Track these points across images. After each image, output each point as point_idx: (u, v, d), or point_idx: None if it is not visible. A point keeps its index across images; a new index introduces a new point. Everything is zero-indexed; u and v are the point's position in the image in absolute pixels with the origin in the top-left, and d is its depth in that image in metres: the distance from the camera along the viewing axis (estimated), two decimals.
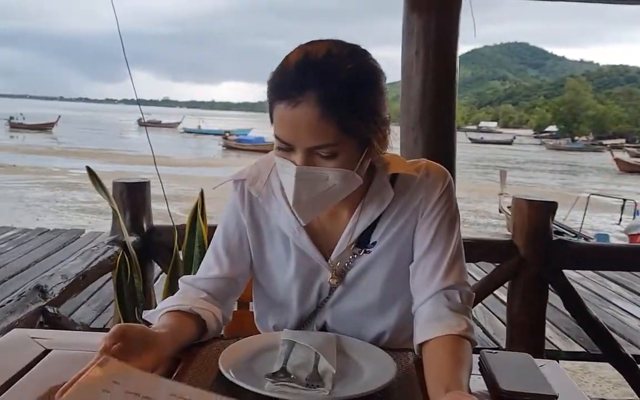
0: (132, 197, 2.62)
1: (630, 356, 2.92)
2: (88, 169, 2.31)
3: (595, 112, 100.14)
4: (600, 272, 5.83)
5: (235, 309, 1.46)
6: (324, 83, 0.99)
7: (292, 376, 0.99)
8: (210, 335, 1.16)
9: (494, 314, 4.38)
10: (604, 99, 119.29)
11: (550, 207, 2.68)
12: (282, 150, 1.06)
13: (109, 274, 2.75)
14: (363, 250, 1.19)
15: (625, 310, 4.78)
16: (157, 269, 2.88)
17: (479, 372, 1.07)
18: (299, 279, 1.22)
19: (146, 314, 1.16)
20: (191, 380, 0.99)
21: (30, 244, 6.37)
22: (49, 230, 7.26)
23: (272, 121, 1.06)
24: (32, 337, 1.15)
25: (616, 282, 5.64)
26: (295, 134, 1.01)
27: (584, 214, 12.44)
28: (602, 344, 2.91)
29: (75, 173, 21.19)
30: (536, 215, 2.64)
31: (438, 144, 2.48)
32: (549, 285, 2.75)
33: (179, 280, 1.25)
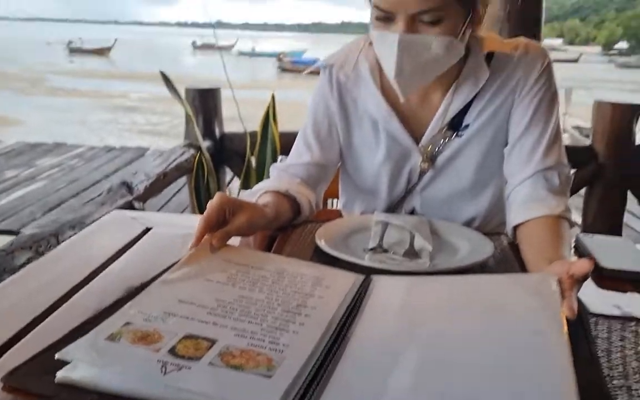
0: (204, 103, 2.65)
1: None
2: (162, 74, 2.33)
3: None
4: None
5: None
6: None
7: (390, 251, 1.00)
8: (303, 218, 1.17)
9: None
10: None
11: (635, 111, 2.55)
12: (381, 21, 1.02)
13: (183, 180, 2.83)
14: (455, 134, 1.17)
15: None
16: (229, 174, 2.94)
17: (574, 255, 1.05)
18: (389, 164, 1.21)
19: (244, 194, 1.18)
20: (290, 254, 1.01)
21: (99, 160, 6.63)
22: (115, 147, 7.51)
23: None
24: (133, 218, 1.20)
25: None
26: None
27: None
28: None
29: (134, 96, 21.62)
30: (619, 118, 2.52)
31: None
32: (629, 193, 2.65)
33: (270, 167, 1.27)
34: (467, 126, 1.16)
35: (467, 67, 1.13)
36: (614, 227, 2.68)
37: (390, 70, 1.04)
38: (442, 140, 1.17)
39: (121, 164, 6.39)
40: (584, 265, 0.77)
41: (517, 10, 2.32)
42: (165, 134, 15.04)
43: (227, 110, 2.90)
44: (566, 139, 12.79)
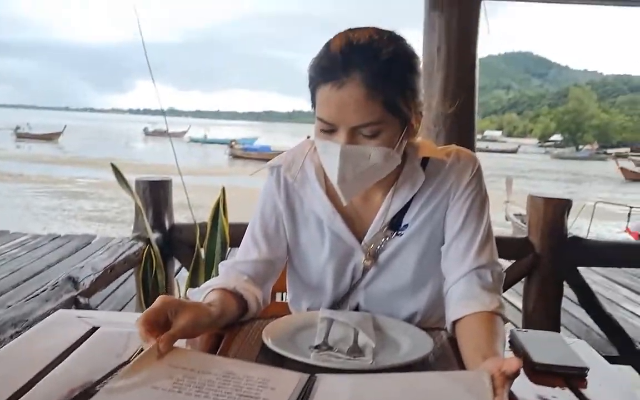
0: (155, 195, 2.67)
1: None
2: (113, 166, 2.35)
3: (599, 121, 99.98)
4: (610, 277, 5.86)
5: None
6: (368, 64, 1.03)
7: (335, 349, 1.03)
8: (250, 315, 1.19)
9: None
10: (608, 108, 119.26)
11: (565, 204, 2.72)
12: (325, 132, 1.10)
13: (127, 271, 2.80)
14: (395, 233, 1.24)
15: (635, 313, 4.80)
16: (177, 265, 2.92)
17: (509, 349, 1.11)
18: (333, 261, 1.26)
19: (191, 292, 1.20)
20: (235, 355, 1.03)
21: (42, 249, 6.41)
22: (60, 236, 7.31)
23: (313, 104, 1.11)
24: (78, 317, 1.20)
25: (626, 286, 5.66)
26: (341, 114, 1.06)
27: (590, 222, 12.43)
28: (616, 341, 2.94)
29: (81, 182, 21.29)
30: (552, 212, 2.69)
31: (459, 139, 2.52)
32: (564, 283, 2.78)
33: (219, 265, 1.30)
34: (406, 226, 1.23)
35: (405, 171, 1.22)
36: (552, 314, 2.79)
37: (333, 177, 1.11)
38: (384, 239, 1.24)
39: (66, 253, 6.20)
40: (513, 364, 0.83)
41: (452, 117, 2.51)
42: (113, 220, 14.77)
43: (178, 196, 2.93)
44: (508, 227, 13.31)
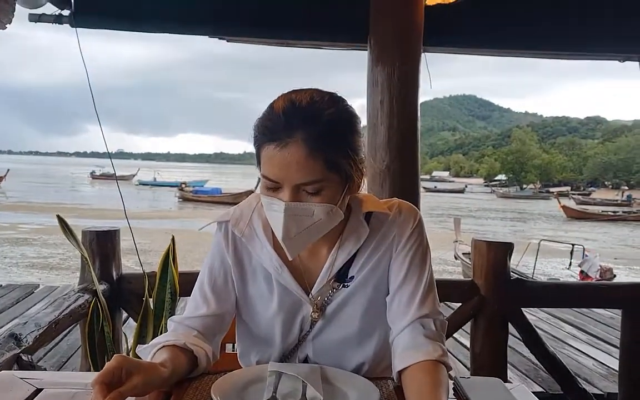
0: (102, 245, 2.63)
1: (590, 394, 3.06)
2: (59, 217, 2.32)
3: (541, 161, 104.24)
4: (555, 314, 6.06)
5: None
6: (310, 125, 1.08)
7: None
8: (200, 370, 1.20)
9: (456, 357, 4.49)
10: (549, 149, 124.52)
11: (507, 248, 2.83)
12: (270, 190, 1.14)
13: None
14: (342, 285, 1.27)
15: (581, 351, 4.96)
16: (125, 314, 2.86)
17: (454, 396, 1.15)
18: (282, 314, 1.28)
19: (139, 349, 1.20)
20: None
21: None
22: (1, 285, 7.02)
23: (258, 163, 1.15)
24: (21, 378, 1.17)
25: (570, 324, 5.85)
26: (284, 172, 1.10)
27: (536, 259, 12.86)
28: (560, 380, 3.03)
29: (24, 228, 20.52)
30: (495, 255, 2.79)
31: (404, 188, 2.62)
32: (509, 324, 2.87)
33: (168, 320, 1.30)
34: (352, 278, 1.27)
35: (349, 225, 1.26)
36: (499, 354, 2.87)
37: (278, 234, 1.15)
38: (331, 291, 1.27)
39: (7, 303, 5.96)
40: None
41: (397, 166, 2.60)
42: (57, 267, 14.25)
43: (126, 241, 2.89)
44: (457, 265, 13.60)
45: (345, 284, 1.27)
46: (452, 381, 1.19)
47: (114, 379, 0.95)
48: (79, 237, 2.53)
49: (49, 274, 13.40)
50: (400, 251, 1.27)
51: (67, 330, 3.92)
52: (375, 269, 1.27)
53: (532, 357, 3.47)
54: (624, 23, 3.16)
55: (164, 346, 1.16)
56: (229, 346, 1.73)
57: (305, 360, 1.30)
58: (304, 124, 1.08)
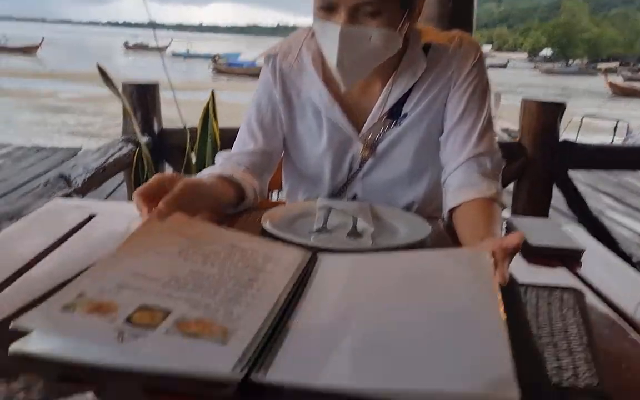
0: (142, 99, 2.61)
1: (629, 255, 3.04)
2: (99, 67, 2.28)
3: (590, 35, 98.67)
4: (596, 187, 5.97)
5: None
6: None
7: (334, 233, 1.03)
8: (247, 205, 1.18)
9: None
10: (600, 22, 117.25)
11: (559, 108, 2.71)
12: (324, 10, 1.06)
13: (120, 178, 2.77)
14: (394, 122, 1.22)
15: (619, 222, 4.92)
16: (168, 169, 2.90)
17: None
18: (331, 152, 1.25)
19: None
20: None
21: (28, 160, 6.35)
22: (45, 148, 7.22)
23: None
24: (75, 206, 1.18)
25: (609, 195, 5.77)
26: None
27: (577, 136, 12.51)
28: (603, 242, 3.01)
29: (63, 96, 20.77)
30: (545, 116, 2.68)
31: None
32: (554, 186, 2.82)
33: (215, 156, 1.28)
34: (405, 115, 1.22)
35: (406, 58, 1.19)
36: (541, 216, 2.84)
37: (332, 61, 1.08)
38: (382, 128, 1.22)
39: (52, 164, 6.15)
40: (514, 238, 0.84)
41: (450, 12, 2.42)
42: (97, 135, 14.53)
43: (164, 111, 2.87)
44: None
45: (398, 121, 1.22)
46: (505, 221, 1.16)
47: (159, 192, 0.90)
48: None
49: (90, 141, 13.71)
50: (459, 87, 1.19)
51: (113, 187, 4.03)
52: (431, 106, 1.21)
53: None
54: None
55: (210, 176, 1.14)
56: (274, 195, 1.74)
57: (354, 198, 1.28)
58: None
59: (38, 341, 0.60)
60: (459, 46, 1.20)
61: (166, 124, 2.89)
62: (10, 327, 0.58)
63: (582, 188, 5.88)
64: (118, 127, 2.84)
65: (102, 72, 2.29)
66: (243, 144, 1.26)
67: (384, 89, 1.20)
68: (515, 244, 0.83)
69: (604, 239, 2.98)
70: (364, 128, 1.23)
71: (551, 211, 3.74)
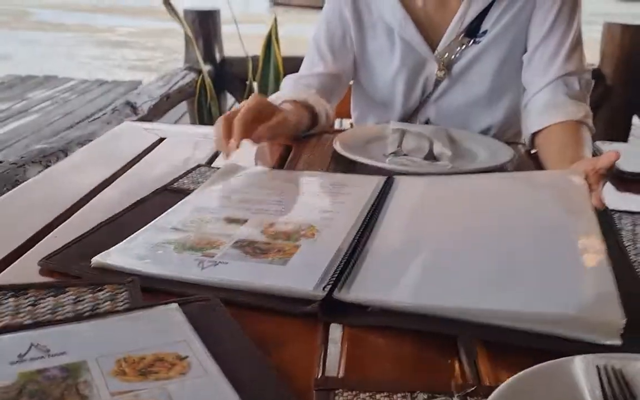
0: (204, 26, 2.58)
1: None
2: None
3: None
4: None
5: None
6: None
7: (410, 156, 0.99)
8: (319, 128, 1.15)
9: None
10: None
11: None
12: None
13: (183, 108, 2.79)
14: (473, 40, 1.14)
15: None
16: (230, 99, 2.89)
17: None
18: (404, 73, 1.18)
19: None
20: (306, 163, 1.01)
21: (91, 93, 6.51)
22: (107, 81, 7.37)
23: None
24: (145, 129, 1.18)
25: None
26: None
27: None
28: None
29: (122, 30, 21.03)
30: (629, 41, 2.48)
31: None
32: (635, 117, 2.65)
33: (284, 78, 1.24)
34: (485, 32, 1.13)
35: None
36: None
37: None
38: (459, 47, 1.15)
39: (115, 97, 6.27)
40: (608, 158, 0.78)
41: None
42: (157, 69, 14.66)
43: (225, 44, 2.84)
44: None
45: (477, 39, 1.14)
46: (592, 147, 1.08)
47: (255, 117, 0.91)
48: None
49: (150, 75, 13.90)
50: (546, 0, 1.09)
51: (176, 117, 4.10)
52: (514, 21, 1.12)
53: None
54: None
55: (285, 100, 1.11)
56: (339, 122, 1.69)
57: (427, 122, 1.22)
58: None
59: (119, 255, 0.60)
60: None
61: (227, 54, 2.87)
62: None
63: None
64: (177, 62, 2.84)
65: (166, 1, 2.27)
66: (312, 64, 1.22)
67: (462, 4, 1.12)
68: (611, 161, 0.77)
69: None
70: (439, 47, 1.16)
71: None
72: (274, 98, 1.13)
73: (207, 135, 1.08)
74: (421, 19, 1.15)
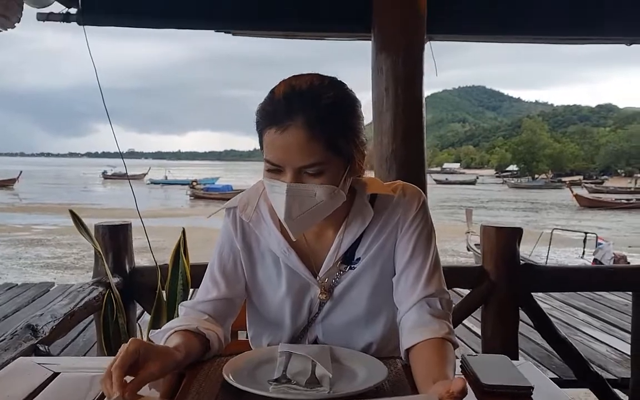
0: (114, 239, 2.67)
1: (604, 378, 3.06)
2: (71, 212, 2.35)
3: (552, 151, 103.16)
4: (569, 302, 6.04)
5: None
6: (310, 108, 1.10)
7: (293, 381, 1.07)
8: (212, 353, 1.23)
9: (467, 345, 4.50)
10: (560, 138, 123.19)
11: (516, 233, 2.84)
12: (272, 172, 1.16)
13: (90, 317, 2.76)
14: (349, 266, 1.29)
15: (594, 337, 4.94)
16: (139, 308, 2.90)
17: (461, 373, 1.17)
18: (290, 296, 1.31)
19: (153, 334, 1.22)
20: (197, 393, 1.06)
21: None
22: (16, 285, 7.11)
23: (261, 147, 1.17)
24: (38, 363, 1.20)
25: (584, 311, 5.83)
26: (285, 155, 1.12)
27: (549, 249, 12.81)
28: (573, 365, 3.04)
29: (38, 229, 20.74)
30: (504, 241, 2.79)
31: (410, 173, 2.64)
32: (521, 310, 2.88)
33: (179, 305, 1.33)
34: (358, 259, 1.29)
35: (354, 207, 1.28)
36: (510, 340, 2.87)
37: (280, 215, 1.17)
38: (338, 272, 1.29)
39: (23, 302, 6.03)
40: (458, 383, 0.89)
41: (403, 153, 2.62)
42: (71, 266, 14.39)
43: (139, 240, 2.92)
44: (470, 256, 13.55)
45: (352, 265, 1.29)
46: (460, 359, 1.20)
47: (132, 362, 0.98)
48: (92, 233, 2.57)
49: (64, 273, 13.55)
50: (406, 232, 1.28)
51: (84, 325, 3.99)
52: (381, 250, 1.29)
53: (546, 344, 3.47)
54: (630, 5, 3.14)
55: (176, 331, 1.18)
56: (242, 334, 1.76)
57: (315, 341, 1.32)
58: (303, 107, 1.10)
59: None
60: (402, 195, 1.30)
61: (139, 254, 2.93)
62: None
63: (556, 304, 5.99)
64: (92, 258, 2.86)
65: (75, 217, 2.36)
66: (206, 292, 1.32)
67: (337, 236, 1.29)
68: (460, 388, 0.88)
69: (574, 361, 3.01)
70: (320, 272, 1.30)
71: (527, 331, 3.77)
72: (165, 328, 1.21)
73: (103, 369, 1.11)
74: (303, 249, 1.30)
